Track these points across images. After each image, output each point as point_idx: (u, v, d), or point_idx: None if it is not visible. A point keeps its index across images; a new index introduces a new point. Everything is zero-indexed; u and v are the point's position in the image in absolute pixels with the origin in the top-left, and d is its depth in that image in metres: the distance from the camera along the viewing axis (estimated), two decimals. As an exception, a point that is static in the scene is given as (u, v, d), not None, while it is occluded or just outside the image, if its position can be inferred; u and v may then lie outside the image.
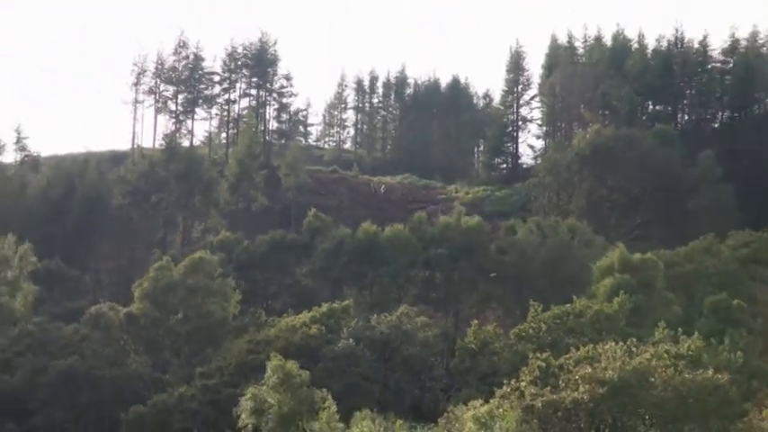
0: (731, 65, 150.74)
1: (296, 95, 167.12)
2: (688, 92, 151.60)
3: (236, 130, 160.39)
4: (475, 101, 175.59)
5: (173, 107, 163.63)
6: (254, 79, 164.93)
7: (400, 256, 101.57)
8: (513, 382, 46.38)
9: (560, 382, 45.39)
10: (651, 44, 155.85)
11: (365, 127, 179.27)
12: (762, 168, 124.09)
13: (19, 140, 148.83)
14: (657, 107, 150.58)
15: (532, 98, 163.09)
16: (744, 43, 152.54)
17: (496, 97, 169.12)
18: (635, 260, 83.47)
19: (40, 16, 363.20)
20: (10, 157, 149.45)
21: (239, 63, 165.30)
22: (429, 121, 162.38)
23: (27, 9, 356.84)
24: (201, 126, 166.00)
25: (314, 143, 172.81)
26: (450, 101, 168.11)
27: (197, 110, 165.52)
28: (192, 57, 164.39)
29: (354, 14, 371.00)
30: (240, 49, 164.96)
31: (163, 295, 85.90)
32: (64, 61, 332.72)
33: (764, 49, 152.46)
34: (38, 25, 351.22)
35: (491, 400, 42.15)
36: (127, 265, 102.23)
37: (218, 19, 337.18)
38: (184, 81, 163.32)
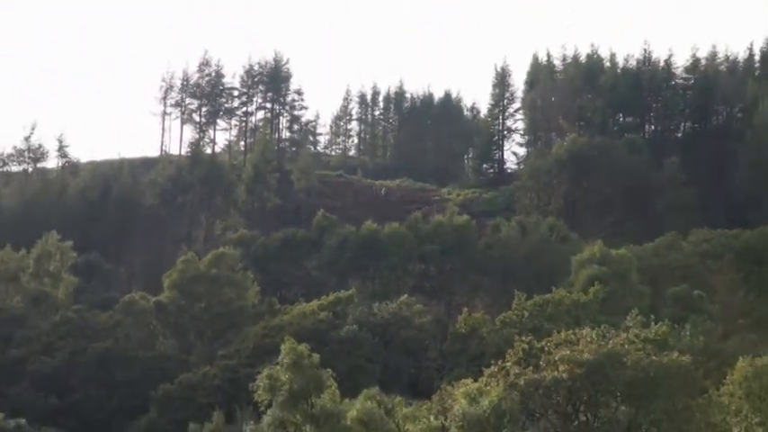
0: (692, 81, 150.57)
1: (306, 108, 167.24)
2: (654, 105, 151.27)
3: (252, 139, 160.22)
4: (465, 113, 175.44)
5: (197, 118, 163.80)
6: (269, 94, 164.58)
7: (398, 251, 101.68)
8: (499, 363, 46.58)
9: (541, 363, 45.55)
10: (621, 63, 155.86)
11: (368, 136, 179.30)
12: (720, 173, 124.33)
13: (60, 148, 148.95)
14: (627, 119, 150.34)
15: (516, 110, 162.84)
16: (704, 62, 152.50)
17: (484, 109, 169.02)
18: (613, 254, 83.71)
19: (78, 39, 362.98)
20: (52, 162, 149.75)
21: (256, 79, 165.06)
22: (424, 131, 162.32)
23: (67, 31, 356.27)
24: (222, 135, 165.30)
25: (322, 150, 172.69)
26: (442, 113, 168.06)
27: (218, 121, 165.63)
28: (213, 74, 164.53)
29: (358, 36, 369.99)
30: (257, 67, 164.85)
31: (189, 285, 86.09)
32: (102, 77, 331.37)
33: (722, 67, 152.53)
34: (79, 46, 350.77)
35: (480, 379, 42.32)
36: (156, 258, 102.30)
37: (237, 39, 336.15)
38: (207, 95, 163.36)
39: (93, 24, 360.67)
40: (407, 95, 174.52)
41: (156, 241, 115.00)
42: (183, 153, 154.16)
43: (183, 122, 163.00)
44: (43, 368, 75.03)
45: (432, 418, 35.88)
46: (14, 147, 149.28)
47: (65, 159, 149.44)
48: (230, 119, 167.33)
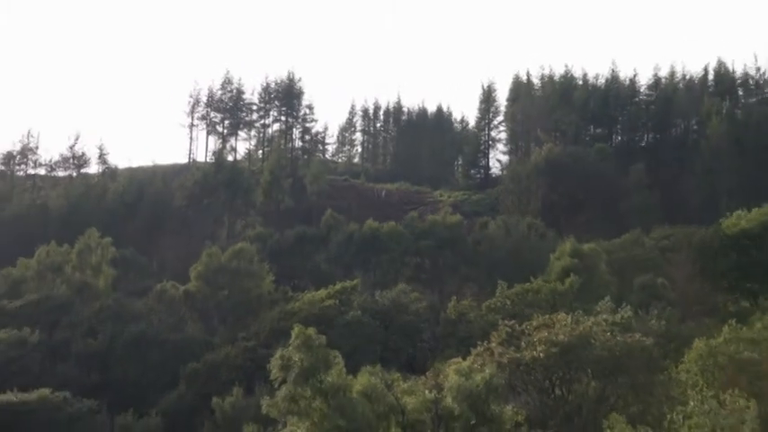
0: (654, 97, 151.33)
1: (316, 121, 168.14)
2: (620, 118, 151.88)
3: (269, 148, 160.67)
4: (455, 125, 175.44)
5: (220, 130, 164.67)
6: (284, 108, 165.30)
7: (397, 246, 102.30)
8: (484, 344, 46.73)
9: (522, 344, 45.67)
10: (592, 81, 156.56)
11: (370, 145, 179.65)
12: (678, 178, 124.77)
13: (101, 156, 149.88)
14: (597, 130, 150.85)
15: (500, 123, 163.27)
16: (664, 81, 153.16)
17: (471, 122, 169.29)
18: (584, 249, 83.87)
19: (117, 58, 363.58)
20: (94, 168, 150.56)
21: (272, 96, 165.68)
22: (419, 141, 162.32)
23: (107, 52, 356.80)
24: (242, 145, 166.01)
25: (330, 158, 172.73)
26: (435, 125, 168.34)
27: (239, 132, 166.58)
28: (235, 91, 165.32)
29: (362, 57, 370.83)
30: (273, 85, 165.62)
31: (212, 276, 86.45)
32: (138, 92, 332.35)
33: (680, 85, 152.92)
34: (117, 65, 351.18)
35: (467, 358, 42.43)
36: (184, 253, 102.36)
37: (255, 60, 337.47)
38: (229, 110, 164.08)
39: (131, 45, 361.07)
40: (405, 110, 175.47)
41: (184, 238, 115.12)
42: (208, 160, 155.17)
43: (208, 133, 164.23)
44: (86, 349, 75.40)
45: (426, 391, 35.90)
46: (61, 154, 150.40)
47: (105, 166, 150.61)
48: (249, 130, 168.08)
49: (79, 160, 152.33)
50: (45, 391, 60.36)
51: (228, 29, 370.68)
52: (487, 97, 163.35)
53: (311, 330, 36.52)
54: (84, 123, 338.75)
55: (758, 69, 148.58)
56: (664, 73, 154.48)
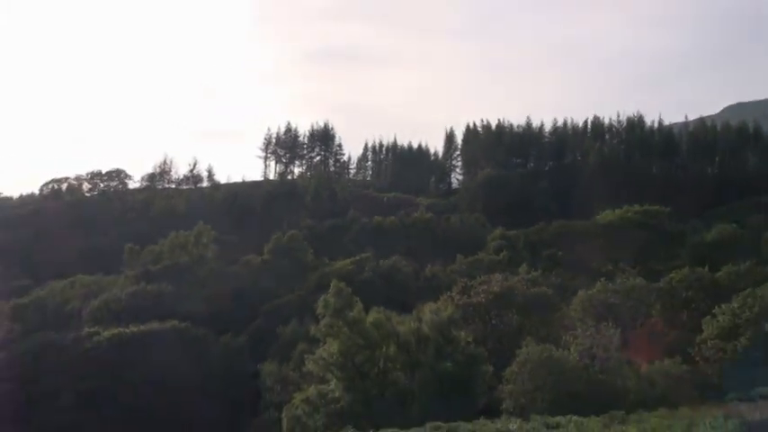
0: (553, 138, 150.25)
1: (343, 154, 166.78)
2: (532, 152, 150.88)
3: (313, 171, 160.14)
4: (430, 156, 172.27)
5: (283, 160, 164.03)
6: (323, 146, 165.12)
7: (394, 233, 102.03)
8: (448, 293, 46.87)
9: (471, 293, 45.82)
10: (515, 129, 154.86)
11: (377, 169, 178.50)
12: (569, 191, 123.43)
13: (209, 175, 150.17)
14: (518, 160, 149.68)
15: (457, 155, 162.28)
16: (559, 128, 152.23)
17: (440, 154, 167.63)
18: (509, 234, 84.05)
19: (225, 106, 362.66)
20: (205, 183, 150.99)
21: (315, 138, 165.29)
22: (407, 166, 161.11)
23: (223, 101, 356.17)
24: (297, 169, 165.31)
25: (351, 177, 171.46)
26: (417, 156, 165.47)
27: (295, 161, 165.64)
28: (292, 135, 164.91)
29: (372, 114, 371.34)
30: (315, 131, 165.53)
31: (277, 251, 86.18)
32: (236, 137, 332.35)
33: (569, 131, 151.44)
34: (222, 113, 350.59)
35: (437, 302, 42.52)
36: (261, 238, 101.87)
37: (308, 116, 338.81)
38: (289, 147, 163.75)
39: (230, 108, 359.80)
40: (398, 146, 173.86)
41: (261, 227, 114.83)
42: (275, 179, 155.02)
43: (276, 162, 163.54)
44: (199, 296, 73.93)
45: (411, 323, 35.98)
46: (184, 174, 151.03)
47: (212, 182, 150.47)
48: (301, 160, 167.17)
49: (196, 178, 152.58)
50: (175, 322, 60.38)
51: (295, 104, 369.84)
52: (450, 138, 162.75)
53: (341, 284, 36.69)
54: (199, 153, 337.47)
55: (619, 122, 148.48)
56: (559, 123, 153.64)
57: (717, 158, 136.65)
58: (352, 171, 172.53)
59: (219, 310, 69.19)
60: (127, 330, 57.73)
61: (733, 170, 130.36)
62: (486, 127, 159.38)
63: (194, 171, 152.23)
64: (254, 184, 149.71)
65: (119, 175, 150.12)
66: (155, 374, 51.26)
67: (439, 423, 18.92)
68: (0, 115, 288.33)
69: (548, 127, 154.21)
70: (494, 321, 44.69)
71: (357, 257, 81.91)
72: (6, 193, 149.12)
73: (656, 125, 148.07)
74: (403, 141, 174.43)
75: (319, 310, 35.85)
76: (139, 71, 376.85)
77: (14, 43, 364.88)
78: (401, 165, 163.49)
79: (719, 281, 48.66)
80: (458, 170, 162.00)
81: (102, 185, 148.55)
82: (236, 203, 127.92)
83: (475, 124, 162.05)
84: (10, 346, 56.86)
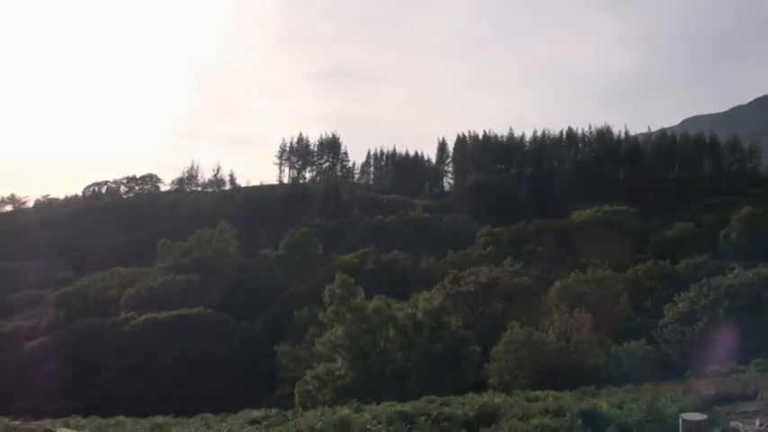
0: (534, 147, 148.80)
1: (349, 160, 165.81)
2: (515, 159, 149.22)
3: (322, 176, 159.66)
4: (425, 162, 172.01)
5: (296, 166, 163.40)
6: (331, 154, 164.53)
7: (393, 230, 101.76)
8: (440, 283, 46.77)
9: (461, 283, 45.72)
10: (499, 138, 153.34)
11: (378, 173, 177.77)
12: (547, 193, 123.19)
13: (231, 179, 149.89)
14: (502, 166, 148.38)
15: (449, 162, 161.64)
16: (538, 138, 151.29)
17: (434, 160, 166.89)
18: (495, 231, 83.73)
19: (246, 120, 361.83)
20: (227, 186, 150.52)
21: (324, 147, 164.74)
22: (405, 171, 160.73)
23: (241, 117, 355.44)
24: (308, 174, 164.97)
25: (356, 181, 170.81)
26: (413, 162, 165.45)
27: (306, 167, 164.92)
28: (304, 144, 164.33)
29: (373, 125, 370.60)
30: (324, 141, 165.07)
31: (291, 246, 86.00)
32: (253, 148, 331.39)
33: (547, 141, 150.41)
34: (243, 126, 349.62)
35: (431, 291, 42.45)
36: (276, 235, 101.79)
37: (317, 127, 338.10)
38: (301, 155, 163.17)
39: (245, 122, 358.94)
40: (398, 154, 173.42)
41: (276, 226, 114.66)
42: (289, 182, 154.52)
43: (289, 168, 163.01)
44: (223, 285, 73.37)
45: (408, 309, 35.90)
46: (208, 179, 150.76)
47: (233, 185, 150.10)
48: (312, 166, 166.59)
49: (219, 182, 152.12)
50: (201, 308, 60.28)
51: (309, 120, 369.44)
52: (442, 146, 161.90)
53: (345, 275, 36.58)
54: (223, 160, 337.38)
55: (590, 133, 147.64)
56: (539, 134, 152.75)
57: (676, 165, 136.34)
58: (356, 176, 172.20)
59: (240, 298, 69.12)
60: (159, 315, 57.69)
61: (690, 175, 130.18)
62: (474, 137, 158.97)
63: (218, 175, 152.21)
64: (271, 187, 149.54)
65: (151, 179, 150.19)
66: (183, 354, 51.38)
67: (433, 397, 18.81)
68: (50, 130, 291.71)
69: (528, 137, 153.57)
70: (481, 308, 44.58)
71: (360, 252, 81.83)
72: (53, 195, 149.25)
73: (622, 136, 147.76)
74: (401, 150, 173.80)
75: (326, 299, 35.76)
76: (173, 91, 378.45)
77: (67, 65, 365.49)
78: (399, 170, 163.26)
79: (679, 272, 48.65)
80: (449, 175, 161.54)
81: (136, 188, 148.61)
82: (254, 204, 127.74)
83: (464, 135, 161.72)
84: (57, 330, 56.99)
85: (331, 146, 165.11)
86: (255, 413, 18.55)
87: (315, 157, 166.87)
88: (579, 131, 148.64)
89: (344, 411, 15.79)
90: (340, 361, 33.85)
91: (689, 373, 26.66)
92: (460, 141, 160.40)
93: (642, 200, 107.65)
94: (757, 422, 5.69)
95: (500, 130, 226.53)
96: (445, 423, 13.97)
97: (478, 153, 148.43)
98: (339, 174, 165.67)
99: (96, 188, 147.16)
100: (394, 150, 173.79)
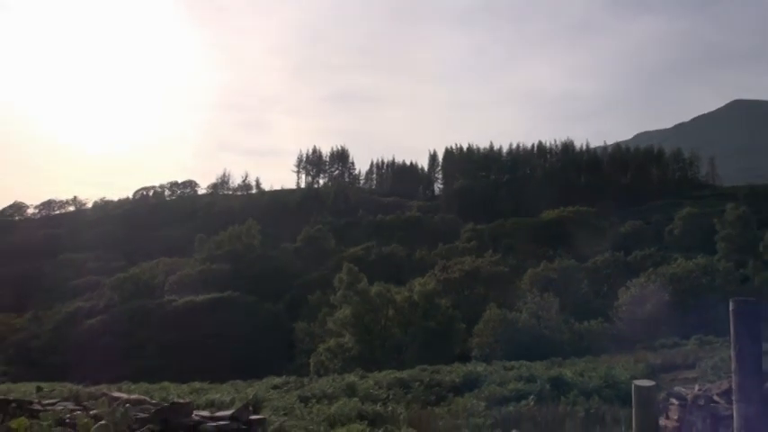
0: (510, 157, 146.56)
1: (356, 169, 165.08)
2: (493, 167, 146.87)
3: (333, 182, 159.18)
4: (419, 170, 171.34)
5: (311, 173, 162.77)
6: (340, 163, 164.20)
7: (392, 227, 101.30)
8: (432, 271, 46.69)
9: (449, 271, 45.65)
10: (481, 150, 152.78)
11: (380, 180, 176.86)
12: (521, 195, 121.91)
13: (257, 184, 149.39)
14: (482, 173, 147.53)
15: (439, 170, 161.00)
16: (514, 150, 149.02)
17: (426, 169, 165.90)
18: (478, 228, 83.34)
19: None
20: (254, 190, 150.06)
21: (334, 157, 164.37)
22: (402, 178, 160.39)
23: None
24: (321, 180, 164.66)
25: (361, 185, 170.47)
26: (409, 170, 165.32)
27: (320, 174, 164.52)
28: (318, 155, 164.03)
29: (377, 139, 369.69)
30: (335, 152, 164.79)
31: (307, 239, 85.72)
32: (275, 159, 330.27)
33: (521, 152, 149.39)
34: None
35: (424, 277, 42.37)
36: (295, 230, 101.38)
37: (328, 141, 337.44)
38: (315, 164, 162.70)
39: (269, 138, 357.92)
40: (395, 163, 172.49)
41: (294, 224, 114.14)
42: (304, 187, 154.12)
43: (305, 175, 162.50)
44: (249, 273, 72.33)
45: (405, 292, 35.89)
46: (238, 184, 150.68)
47: (259, 189, 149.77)
48: (324, 173, 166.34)
49: (247, 186, 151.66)
50: (231, 292, 60.12)
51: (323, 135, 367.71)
52: (433, 158, 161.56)
53: (351, 265, 36.56)
54: (250, 168, 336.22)
55: (557, 146, 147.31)
56: (514, 146, 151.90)
57: (629, 173, 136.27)
58: (361, 181, 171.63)
59: (264, 283, 68.83)
60: (196, 298, 57.74)
61: (641, 181, 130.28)
62: (460, 149, 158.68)
63: (246, 181, 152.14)
64: (290, 191, 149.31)
65: (190, 184, 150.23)
66: (216, 330, 51.40)
67: (425, 366, 18.90)
68: (108, 144, 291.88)
69: (505, 149, 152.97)
70: (466, 292, 44.60)
71: (365, 245, 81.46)
72: (108, 198, 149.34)
73: (584, 148, 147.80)
74: (399, 159, 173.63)
75: (336, 284, 35.81)
76: (210, 111, 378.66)
77: (126, 97, 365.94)
78: (397, 177, 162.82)
79: (631, 262, 48.58)
80: (439, 181, 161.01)
81: (178, 192, 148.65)
82: (276, 205, 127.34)
83: (452, 147, 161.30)
84: (111, 310, 57.01)
85: (340, 156, 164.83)
86: (277, 379, 18.61)
87: (327, 165, 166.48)
88: (548, 144, 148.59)
89: (351, 378, 15.86)
90: (348, 336, 33.87)
91: (639, 347, 26.64)
92: (448, 152, 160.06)
93: (600, 202, 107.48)
94: (696, 387, 5.71)
95: (482, 143, 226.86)
96: (436, 388, 14.11)
97: (463, 162, 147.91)
98: (347, 180, 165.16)
99: (144, 192, 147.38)
100: (393, 160, 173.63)
